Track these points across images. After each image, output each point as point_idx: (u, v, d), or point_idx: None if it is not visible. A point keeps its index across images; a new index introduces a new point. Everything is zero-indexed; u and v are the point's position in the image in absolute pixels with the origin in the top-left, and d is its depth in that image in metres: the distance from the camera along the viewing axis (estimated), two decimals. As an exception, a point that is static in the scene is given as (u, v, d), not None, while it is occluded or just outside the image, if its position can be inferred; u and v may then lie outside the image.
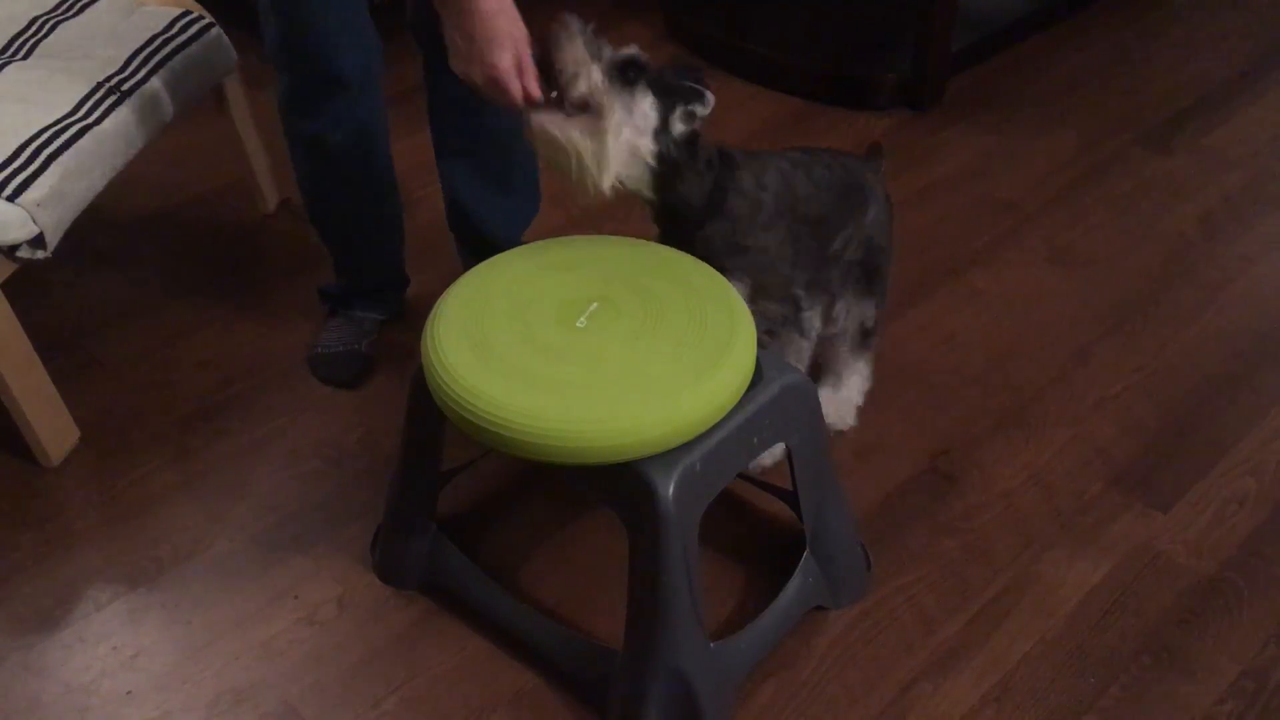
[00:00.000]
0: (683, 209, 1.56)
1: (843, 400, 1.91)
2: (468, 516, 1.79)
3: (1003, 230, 2.40)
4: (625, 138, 1.46)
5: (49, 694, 1.55)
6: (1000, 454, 1.88)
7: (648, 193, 1.55)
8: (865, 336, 1.87)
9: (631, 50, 1.47)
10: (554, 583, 1.69)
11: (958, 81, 2.90)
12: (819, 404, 1.51)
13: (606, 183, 1.47)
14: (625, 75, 1.45)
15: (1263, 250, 2.33)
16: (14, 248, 1.71)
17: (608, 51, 1.46)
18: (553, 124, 1.45)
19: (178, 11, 2.12)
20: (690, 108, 1.49)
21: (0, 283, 1.73)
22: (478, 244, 2.08)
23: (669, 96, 1.48)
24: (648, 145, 1.49)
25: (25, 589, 1.69)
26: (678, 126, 1.50)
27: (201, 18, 2.15)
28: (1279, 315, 2.16)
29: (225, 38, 2.18)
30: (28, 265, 1.74)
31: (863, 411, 1.93)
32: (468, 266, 1.55)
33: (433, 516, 1.64)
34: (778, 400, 1.42)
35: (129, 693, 1.55)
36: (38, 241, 1.73)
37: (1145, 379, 2.03)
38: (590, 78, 1.43)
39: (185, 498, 1.83)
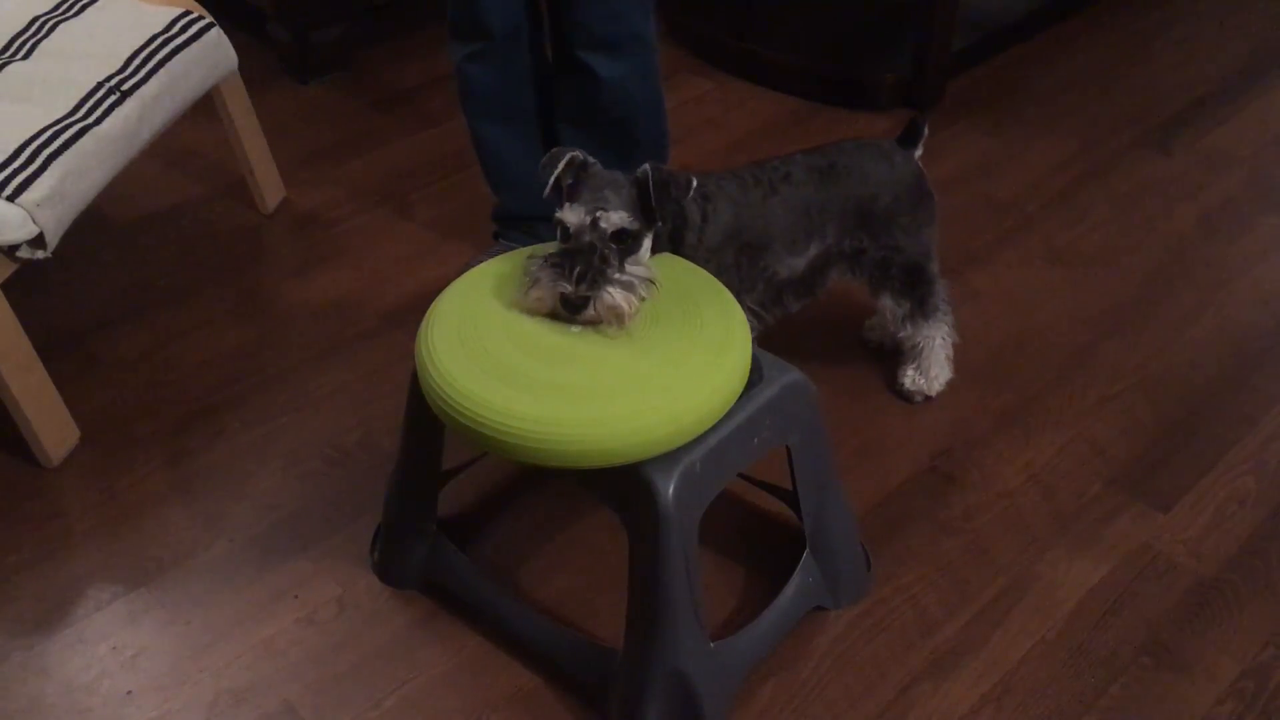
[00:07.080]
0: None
1: (922, 370, 1.95)
2: (468, 516, 1.79)
3: (1003, 230, 2.40)
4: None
5: (49, 694, 1.55)
6: (1000, 454, 1.88)
7: None
8: (921, 307, 1.88)
9: (621, 219, 1.42)
10: (554, 583, 1.69)
11: (958, 81, 2.90)
12: (818, 404, 1.51)
13: None
14: (624, 246, 1.43)
15: (1263, 250, 2.33)
16: (14, 248, 1.71)
17: (606, 235, 1.41)
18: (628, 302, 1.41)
19: (178, 11, 2.12)
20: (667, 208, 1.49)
21: (0, 283, 1.73)
22: None
23: (653, 222, 1.47)
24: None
25: (25, 589, 1.69)
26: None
27: (201, 18, 2.14)
28: (1279, 315, 2.16)
29: (225, 38, 2.18)
30: (28, 265, 1.74)
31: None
32: None
33: (433, 517, 1.64)
34: (778, 400, 1.42)
35: (129, 693, 1.55)
36: (38, 241, 1.73)
37: (1145, 379, 2.02)
38: (628, 314, 1.40)
39: (185, 498, 1.83)
